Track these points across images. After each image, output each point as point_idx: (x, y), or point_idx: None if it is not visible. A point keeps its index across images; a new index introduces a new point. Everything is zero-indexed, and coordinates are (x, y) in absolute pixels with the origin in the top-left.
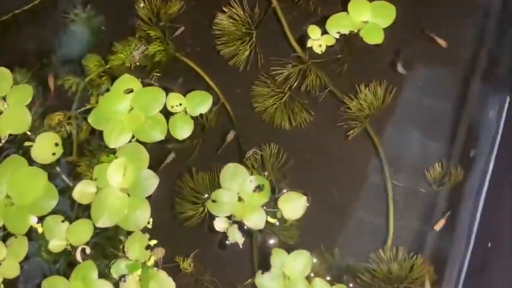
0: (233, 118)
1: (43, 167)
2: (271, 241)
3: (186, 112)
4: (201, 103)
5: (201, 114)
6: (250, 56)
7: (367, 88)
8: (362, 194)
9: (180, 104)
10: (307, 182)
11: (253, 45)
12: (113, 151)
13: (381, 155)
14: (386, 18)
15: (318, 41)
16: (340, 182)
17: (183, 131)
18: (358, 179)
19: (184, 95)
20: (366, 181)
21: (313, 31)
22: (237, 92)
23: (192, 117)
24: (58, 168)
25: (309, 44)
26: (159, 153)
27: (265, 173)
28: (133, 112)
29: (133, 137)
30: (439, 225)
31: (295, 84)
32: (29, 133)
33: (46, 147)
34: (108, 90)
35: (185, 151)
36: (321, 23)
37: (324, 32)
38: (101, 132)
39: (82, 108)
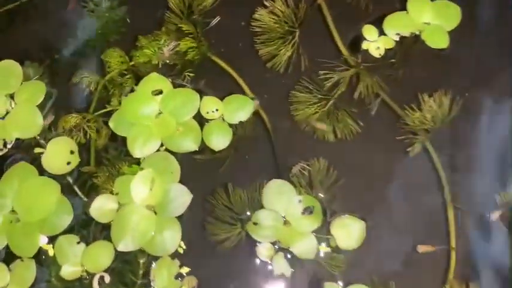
0: (269, 127)
1: (53, 176)
2: (316, 269)
3: (223, 119)
4: (240, 109)
5: (240, 122)
6: (292, 57)
7: (432, 98)
8: (420, 217)
9: (217, 110)
10: (358, 203)
11: (295, 45)
12: (137, 161)
13: (441, 174)
14: (450, 20)
15: (374, 43)
16: (394, 203)
17: (220, 140)
18: (416, 201)
19: (221, 99)
20: (425, 203)
21: (369, 32)
22: (274, 97)
23: (230, 125)
24: (70, 179)
25: (365, 46)
26: (184, 165)
27: (313, 192)
28: (163, 117)
29: (161, 145)
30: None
31: (343, 90)
32: (39, 138)
33: (59, 155)
34: (132, 90)
35: (215, 163)
36: (375, 23)
37: (381, 32)
38: (123, 139)
39: (102, 111)
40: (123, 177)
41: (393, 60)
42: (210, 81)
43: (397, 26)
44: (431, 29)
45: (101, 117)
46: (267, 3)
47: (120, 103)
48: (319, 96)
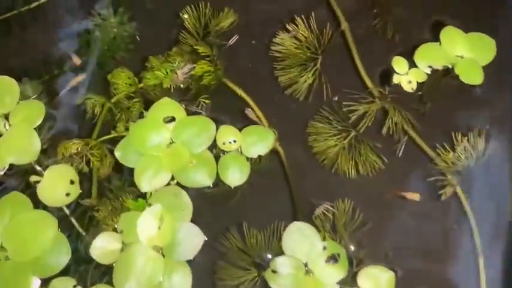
0: (285, 160)
1: (49, 208)
2: None
3: (240, 152)
4: (260, 141)
5: (259, 156)
6: (313, 86)
7: (466, 138)
8: (451, 265)
9: (235, 141)
10: (386, 250)
11: (317, 72)
12: (143, 195)
13: (472, 222)
14: (485, 54)
15: (406, 76)
16: (425, 251)
17: (237, 175)
18: (447, 248)
19: (238, 129)
20: (456, 250)
21: (399, 64)
22: (292, 127)
23: (247, 159)
24: (67, 210)
25: (396, 79)
26: (193, 200)
27: (338, 238)
28: (174, 147)
29: (172, 179)
30: None
31: (369, 124)
32: (35, 164)
33: (58, 184)
34: (141, 115)
35: (228, 198)
36: (404, 54)
37: (411, 64)
38: (129, 170)
39: (106, 137)
40: (128, 213)
41: (422, 93)
42: (226, 108)
43: (429, 58)
44: (465, 63)
45: (105, 144)
46: (289, 27)
47: (127, 129)
48: (340, 127)
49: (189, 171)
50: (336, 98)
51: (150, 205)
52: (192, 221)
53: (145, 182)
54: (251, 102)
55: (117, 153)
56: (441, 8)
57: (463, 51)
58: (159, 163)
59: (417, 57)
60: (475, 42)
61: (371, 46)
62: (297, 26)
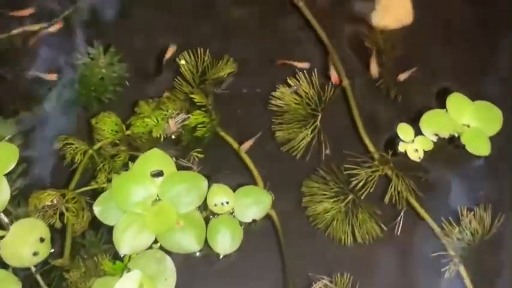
0: (277, 224)
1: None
2: None
3: (233, 215)
4: (255, 204)
5: (254, 220)
6: (312, 144)
7: (472, 212)
8: None
9: (227, 202)
10: None
11: (316, 129)
12: (123, 257)
13: None
14: (492, 124)
15: (412, 144)
16: None
17: (228, 242)
18: None
19: (233, 190)
20: None
21: (405, 131)
22: (286, 186)
23: (240, 223)
24: (33, 268)
25: (402, 148)
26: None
27: None
28: (161, 205)
29: (155, 241)
30: None
31: (370, 190)
32: (3, 216)
33: (25, 241)
34: (126, 166)
35: (214, 263)
36: (410, 120)
37: (416, 130)
38: (108, 228)
39: (85, 188)
40: (103, 278)
41: (427, 161)
42: (220, 164)
43: (435, 126)
44: (472, 132)
45: (84, 195)
46: (290, 82)
47: (109, 181)
48: (336, 189)
49: (175, 233)
50: (328, 152)
51: (128, 270)
52: None
53: (125, 244)
54: (246, 157)
55: (96, 209)
56: (447, 73)
57: (469, 120)
58: (142, 222)
59: (423, 124)
60: (482, 111)
61: (373, 106)
62: (298, 80)
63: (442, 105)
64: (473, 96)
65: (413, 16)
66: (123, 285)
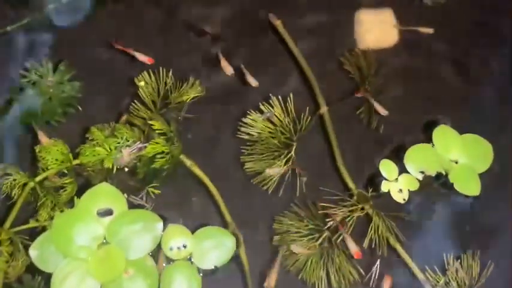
0: (245, 265)
1: None
2: None
3: (191, 261)
4: (217, 248)
5: (215, 267)
6: (286, 176)
7: (458, 260)
8: None
9: (185, 246)
10: None
11: (290, 161)
12: None
13: None
14: (481, 160)
15: (396, 183)
16: None
17: None
18: None
19: (192, 232)
20: None
21: (388, 169)
22: (256, 223)
23: (200, 271)
24: None
25: (384, 187)
26: None
27: None
28: (108, 250)
29: None
30: None
31: (348, 232)
32: None
33: None
34: (72, 203)
35: None
36: (389, 149)
37: (400, 165)
38: (46, 275)
39: (23, 226)
40: None
41: (411, 202)
42: (178, 201)
43: (421, 162)
44: (460, 169)
45: (20, 236)
46: (263, 108)
47: (52, 218)
48: (311, 226)
49: (123, 284)
50: (305, 179)
51: None
52: None
53: None
54: (213, 190)
55: (32, 253)
56: (435, 102)
57: (457, 156)
58: (85, 270)
59: (408, 160)
60: (470, 145)
61: (353, 137)
62: (272, 106)
63: (429, 139)
64: (462, 128)
65: (398, 37)
66: None
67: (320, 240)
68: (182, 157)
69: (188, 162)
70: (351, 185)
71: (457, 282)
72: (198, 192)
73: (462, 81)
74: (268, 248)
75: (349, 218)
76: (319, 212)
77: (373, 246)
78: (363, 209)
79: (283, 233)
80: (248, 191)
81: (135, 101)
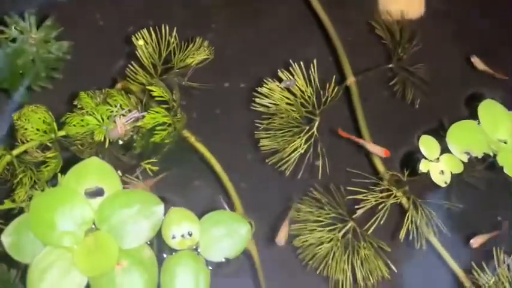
0: (255, 259)
1: None
2: None
3: (197, 251)
4: (228, 237)
5: (226, 259)
6: (306, 156)
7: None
8: None
9: (190, 234)
10: None
11: (312, 138)
12: None
13: None
14: None
15: (436, 163)
16: None
17: None
18: None
19: (199, 217)
20: None
21: (429, 146)
22: (270, 211)
23: (207, 263)
24: None
25: (423, 167)
26: None
27: None
28: (97, 237)
29: (88, 287)
30: None
31: (381, 222)
32: None
33: None
34: (55, 181)
35: None
36: (426, 125)
37: (443, 147)
38: (23, 267)
39: None
40: None
41: (454, 187)
42: (182, 181)
43: (466, 142)
44: (510, 150)
45: None
46: (282, 76)
47: (29, 199)
48: (332, 214)
49: (115, 278)
50: (319, 163)
51: None
52: None
53: None
54: (220, 172)
55: (5, 240)
56: (477, 74)
57: (507, 135)
58: (70, 261)
59: (451, 139)
60: None
61: (384, 112)
62: (292, 74)
63: (472, 115)
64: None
65: (425, 7)
66: None
67: (344, 231)
68: (185, 132)
69: (192, 138)
70: (380, 167)
71: (510, 281)
72: (203, 173)
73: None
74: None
75: (382, 205)
76: (344, 198)
77: (410, 238)
78: (395, 196)
79: (301, 221)
80: (262, 173)
81: (132, 62)
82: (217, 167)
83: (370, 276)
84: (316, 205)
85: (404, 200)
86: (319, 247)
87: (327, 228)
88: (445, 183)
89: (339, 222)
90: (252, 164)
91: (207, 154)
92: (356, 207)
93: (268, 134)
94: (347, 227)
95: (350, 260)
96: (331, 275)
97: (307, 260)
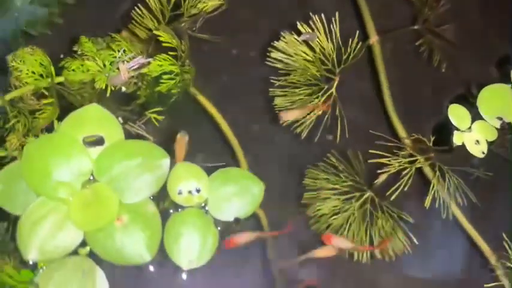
0: (264, 226)
1: None
2: None
3: (205, 209)
4: (239, 195)
5: (236, 219)
6: (324, 119)
7: None
8: None
9: (198, 191)
10: None
11: (330, 99)
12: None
13: None
14: None
15: (470, 133)
16: None
17: (196, 251)
18: None
19: (208, 174)
20: None
21: (459, 115)
22: (282, 175)
23: (215, 221)
24: None
25: (457, 139)
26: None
27: None
28: (95, 189)
29: (83, 243)
30: None
31: (405, 189)
32: None
33: None
34: (51, 130)
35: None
36: (455, 89)
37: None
38: (12, 219)
39: None
40: None
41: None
42: (190, 135)
43: (498, 107)
44: None
45: None
46: (302, 29)
47: (22, 147)
48: (349, 182)
49: (115, 234)
50: (326, 148)
51: (37, 286)
52: None
53: (34, 244)
54: (227, 131)
55: None
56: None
57: None
58: (65, 213)
59: (482, 104)
60: None
61: (408, 75)
62: (311, 28)
63: (504, 78)
64: None
65: None
66: None
67: (361, 201)
68: (192, 89)
69: (198, 93)
70: (402, 132)
71: None
72: (211, 131)
73: None
74: (294, 206)
75: (406, 171)
76: (362, 165)
77: (436, 206)
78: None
79: (315, 189)
80: (275, 134)
81: (139, 5)
82: (224, 125)
83: (389, 248)
84: (332, 172)
85: (427, 169)
86: (334, 217)
87: (343, 197)
88: (483, 153)
89: (356, 191)
90: (265, 124)
91: (214, 112)
92: (378, 171)
93: (284, 91)
94: (365, 197)
95: (367, 231)
96: None
97: (320, 230)
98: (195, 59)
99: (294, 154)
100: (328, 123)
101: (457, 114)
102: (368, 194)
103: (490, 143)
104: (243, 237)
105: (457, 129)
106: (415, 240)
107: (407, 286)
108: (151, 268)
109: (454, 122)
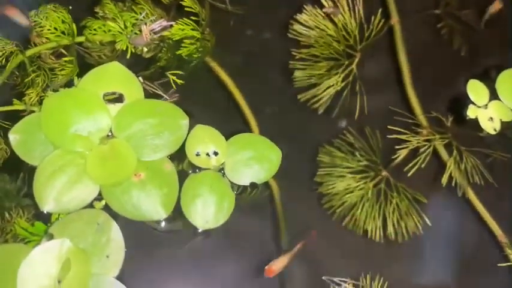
0: (277, 199)
1: None
2: None
3: (223, 172)
4: (257, 161)
5: (252, 184)
6: (343, 94)
7: None
8: None
9: (216, 154)
10: None
11: (351, 76)
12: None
13: None
14: None
15: (485, 110)
16: None
17: (212, 212)
18: None
19: (226, 138)
20: None
21: (477, 91)
22: (297, 150)
23: (233, 186)
24: None
25: (471, 113)
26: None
27: None
28: (113, 144)
29: (99, 197)
30: None
31: (422, 166)
32: None
33: None
34: (71, 83)
35: (182, 241)
36: (473, 72)
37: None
38: (30, 169)
39: (4, 108)
40: (8, 246)
41: (502, 135)
42: (209, 100)
43: None
44: None
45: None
46: (325, 3)
47: (39, 102)
48: (366, 162)
49: (131, 190)
50: (343, 125)
51: (51, 236)
52: (120, 277)
53: (50, 196)
54: (242, 102)
55: (12, 137)
56: None
57: None
58: (82, 167)
59: (500, 86)
60: None
61: (428, 54)
62: (335, 1)
63: None
64: None
65: None
66: (38, 260)
67: (376, 181)
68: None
69: (215, 63)
70: (419, 111)
71: None
72: (227, 101)
73: None
74: (306, 184)
75: (424, 148)
76: (380, 144)
77: (452, 184)
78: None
79: (329, 166)
80: (292, 109)
81: None
82: (239, 96)
83: (403, 229)
84: (348, 150)
85: (441, 149)
86: (347, 196)
87: (358, 176)
88: (495, 130)
89: (371, 171)
90: (283, 97)
91: (229, 82)
92: (396, 147)
93: (304, 64)
94: (380, 176)
95: (381, 211)
96: (358, 226)
97: (333, 209)
98: (215, 28)
99: (310, 128)
100: (348, 100)
101: (475, 89)
102: (384, 174)
103: (505, 126)
104: (280, 263)
105: (474, 104)
106: (428, 221)
107: (419, 266)
108: (164, 225)
109: (471, 97)
